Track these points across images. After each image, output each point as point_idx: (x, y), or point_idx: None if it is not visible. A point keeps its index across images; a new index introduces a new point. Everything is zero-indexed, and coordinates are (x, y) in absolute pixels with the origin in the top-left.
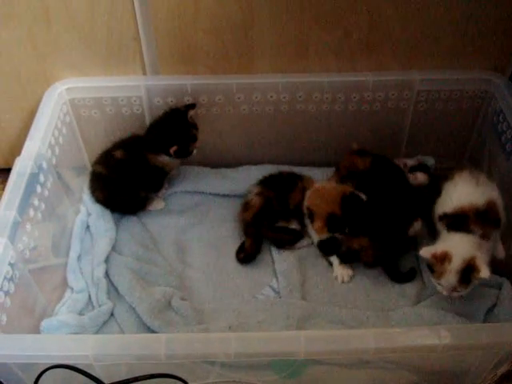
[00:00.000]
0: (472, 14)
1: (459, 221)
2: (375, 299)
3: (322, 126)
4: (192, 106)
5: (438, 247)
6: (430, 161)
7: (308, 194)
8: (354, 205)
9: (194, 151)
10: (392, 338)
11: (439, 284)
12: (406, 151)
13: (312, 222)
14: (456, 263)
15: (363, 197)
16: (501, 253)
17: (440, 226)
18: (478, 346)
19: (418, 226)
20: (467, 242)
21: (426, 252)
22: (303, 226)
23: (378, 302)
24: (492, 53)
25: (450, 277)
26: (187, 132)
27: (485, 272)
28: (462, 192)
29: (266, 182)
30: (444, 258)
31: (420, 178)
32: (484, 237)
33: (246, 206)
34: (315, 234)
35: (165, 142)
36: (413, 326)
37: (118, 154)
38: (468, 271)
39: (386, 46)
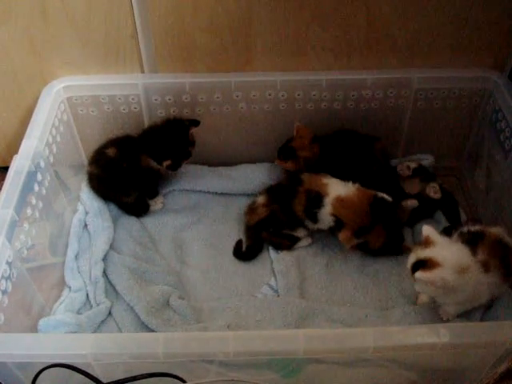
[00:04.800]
0: (470, 12)
1: (474, 236)
2: (374, 298)
3: (320, 125)
4: (196, 122)
5: (437, 236)
6: (429, 159)
7: (331, 202)
8: (384, 211)
9: (183, 165)
10: (391, 337)
11: None
12: (405, 149)
13: (339, 230)
14: (420, 253)
15: (388, 198)
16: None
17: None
18: (477, 344)
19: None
20: (455, 252)
21: (427, 230)
22: (308, 229)
23: (377, 300)
24: (490, 51)
25: (410, 258)
26: (185, 149)
27: (417, 275)
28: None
29: (271, 192)
30: (425, 243)
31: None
32: (482, 264)
33: (251, 210)
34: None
35: (160, 153)
36: (412, 325)
37: (111, 152)
38: (419, 265)
39: (385, 44)
